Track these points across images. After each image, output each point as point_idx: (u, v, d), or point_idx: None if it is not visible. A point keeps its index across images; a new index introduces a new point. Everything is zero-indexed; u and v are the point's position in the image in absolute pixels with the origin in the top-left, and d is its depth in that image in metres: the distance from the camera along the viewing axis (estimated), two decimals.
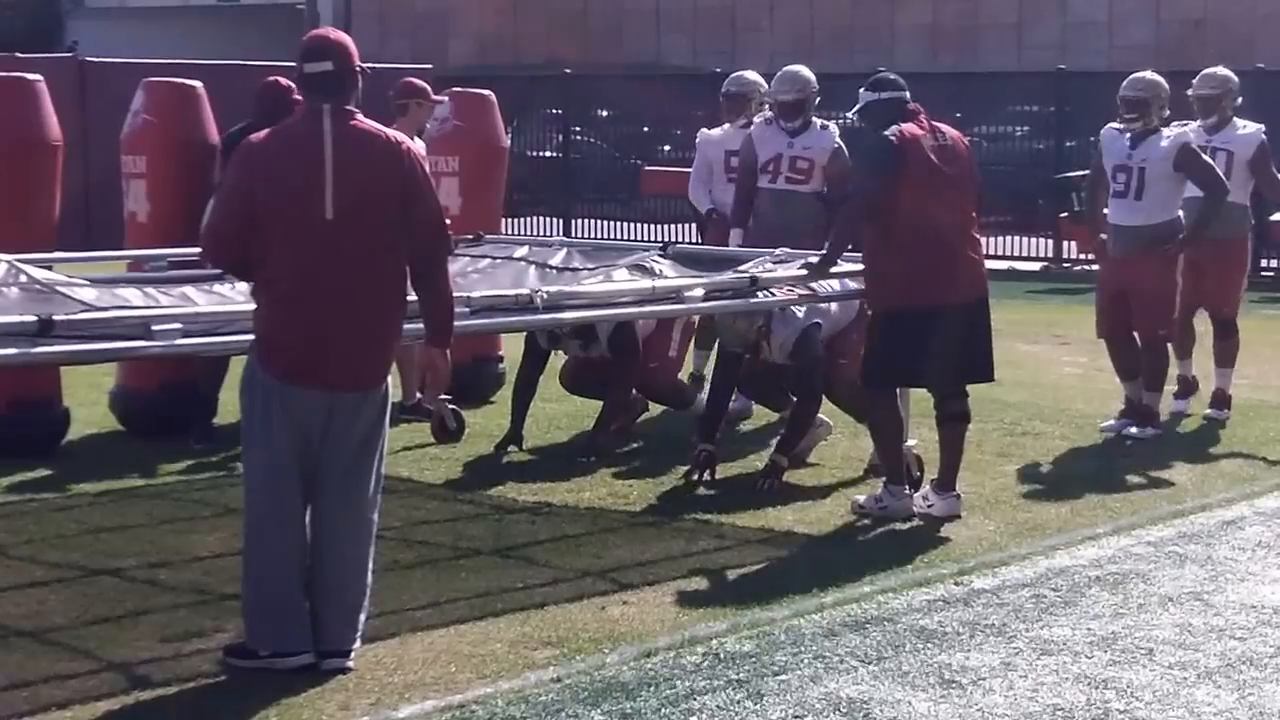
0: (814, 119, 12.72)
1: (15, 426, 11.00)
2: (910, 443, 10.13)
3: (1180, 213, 12.33)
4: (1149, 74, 12.55)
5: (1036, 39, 39.95)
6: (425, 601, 8.12)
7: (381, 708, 6.74)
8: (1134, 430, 12.30)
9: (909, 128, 9.71)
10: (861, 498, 9.95)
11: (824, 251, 10.05)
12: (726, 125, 13.42)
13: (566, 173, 30.19)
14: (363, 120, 7.20)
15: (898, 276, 9.68)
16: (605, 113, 31.14)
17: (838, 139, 12.66)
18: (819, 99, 12.83)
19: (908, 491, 9.88)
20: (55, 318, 7.24)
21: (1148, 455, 11.66)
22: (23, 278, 8.71)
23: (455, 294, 8.31)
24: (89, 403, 12.41)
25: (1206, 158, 12.42)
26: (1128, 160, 12.31)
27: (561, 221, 29.31)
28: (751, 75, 13.76)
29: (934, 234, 9.65)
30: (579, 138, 31.06)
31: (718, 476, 10.64)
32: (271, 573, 7.13)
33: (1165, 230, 12.25)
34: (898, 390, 10.00)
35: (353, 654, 7.19)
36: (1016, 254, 25.85)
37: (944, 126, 9.93)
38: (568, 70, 31.34)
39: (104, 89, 22.97)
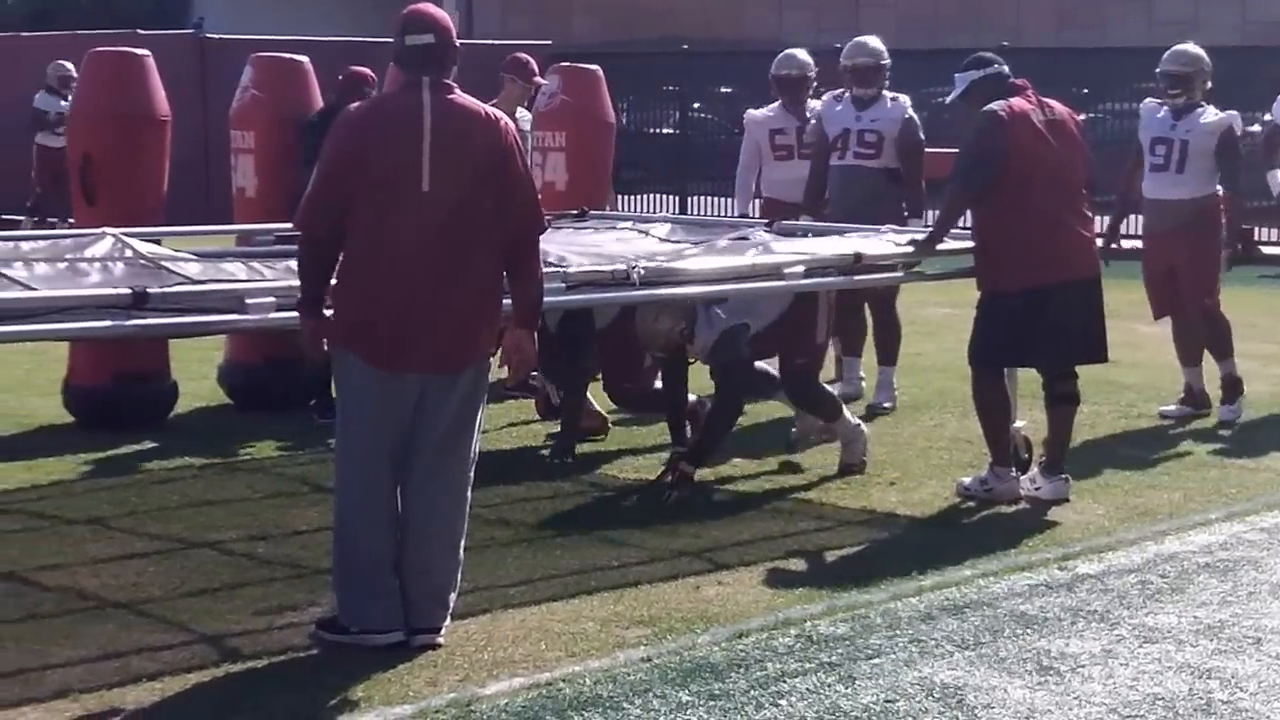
0: (885, 92, 12.46)
1: (123, 399, 11.08)
2: (1019, 424, 9.98)
3: (1219, 187, 12.06)
4: (1191, 47, 12.30)
5: (1167, 14, 39.35)
6: (518, 579, 8.09)
7: (469, 684, 6.71)
8: (1227, 407, 12.04)
9: (1017, 102, 9.56)
10: (966, 479, 9.82)
11: (930, 229, 9.92)
12: (775, 105, 13.19)
13: (683, 150, 30.04)
14: (461, 95, 7.14)
15: (1008, 254, 9.53)
16: (725, 89, 30.97)
17: (909, 111, 12.38)
18: (889, 71, 12.56)
19: (1014, 474, 9.74)
20: (149, 290, 7.24)
21: (1268, 441, 11.43)
22: (128, 252, 8.72)
23: (551, 268, 8.30)
24: (199, 376, 12.48)
25: (1240, 149, 12.14)
26: (1169, 133, 12.02)
27: (677, 200, 29.18)
28: (804, 55, 13.44)
29: (1045, 211, 9.50)
30: (697, 115, 30.91)
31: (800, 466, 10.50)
32: (361, 551, 7.10)
33: (1206, 204, 11.99)
34: (1005, 370, 9.84)
35: (443, 631, 7.16)
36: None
37: (1051, 102, 9.77)
38: (685, 46, 31.21)
39: (223, 66, 23.06)
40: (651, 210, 27.44)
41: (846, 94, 12.47)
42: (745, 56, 28.67)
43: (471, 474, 7.29)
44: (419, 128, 6.96)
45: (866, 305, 12.52)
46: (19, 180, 23.90)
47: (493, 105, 10.41)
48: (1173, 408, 12.21)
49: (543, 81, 12.59)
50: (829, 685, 6.73)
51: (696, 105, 30.83)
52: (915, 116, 12.41)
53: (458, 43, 7.22)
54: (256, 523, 9.03)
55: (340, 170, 7.00)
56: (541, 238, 7.33)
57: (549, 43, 28.78)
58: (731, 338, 9.92)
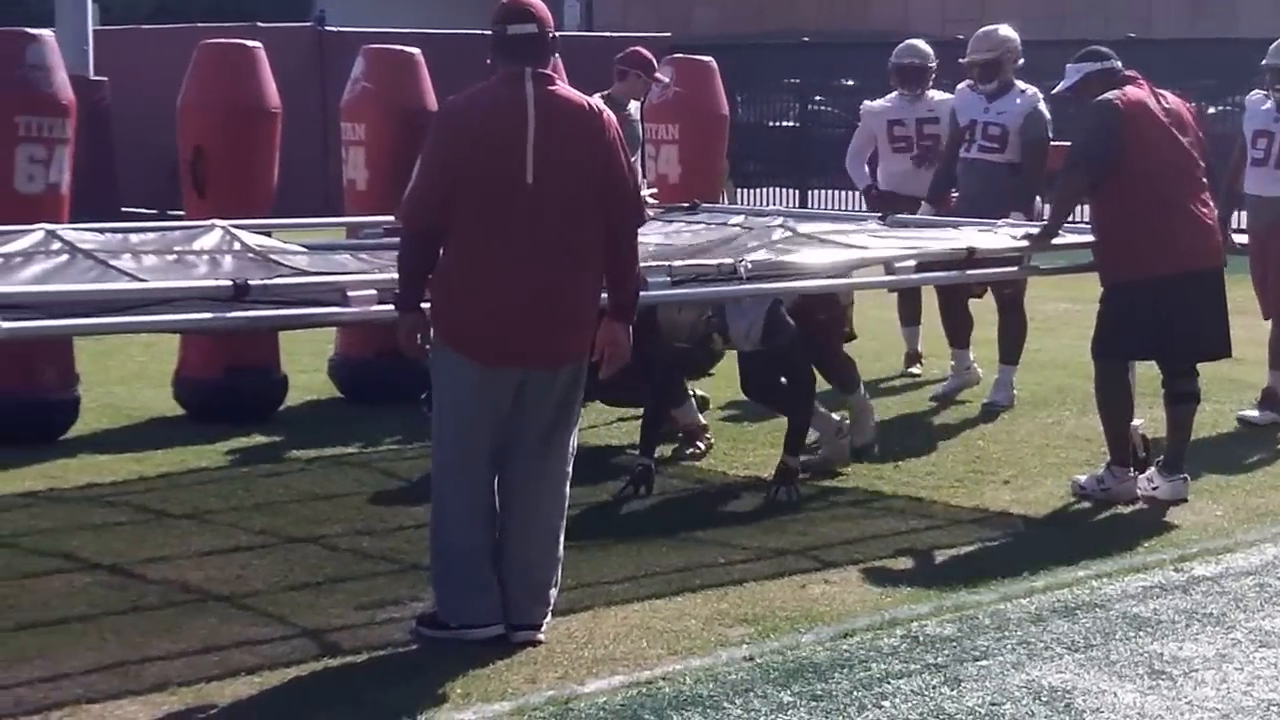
0: (1015, 82, 12.17)
1: (233, 392, 11.11)
2: (1137, 423, 9.79)
3: None
4: None
5: None
6: (622, 575, 8.02)
7: (568, 681, 6.64)
8: None
9: (1132, 90, 9.40)
10: (1082, 478, 9.65)
11: (1045, 222, 9.76)
12: (893, 95, 13.00)
13: (804, 143, 29.90)
14: (563, 86, 7.07)
15: (1129, 245, 9.35)
16: (847, 82, 30.81)
17: (1039, 104, 12.04)
18: (1019, 61, 12.27)
19: (1132, 474, 9.56)
20: (251, 282, 7.22)
21: None
22: (237, 244, 8.72)
23: (657, 261, 8.23)
24: (310, 369, 12.50)
25: None
26: (1272, 125, 11.75)
27: (797, 194, 29.05)
28: (924, 45, 13.23)
29: (1165, 200, 9.32)
30: (818, 108, 30.76)
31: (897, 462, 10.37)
32: (459, 546, 7.04)
33: None
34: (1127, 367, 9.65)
35: (543, 628, 7.10)
36: None
37: (1164, 91, 9.59)
38: (806, 39, 31.06)
39: (342, 59, 23.15)
40: (770, 204, 27.31)
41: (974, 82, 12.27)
42: (867, 48, 28.50)
43: (570, 469, 7.22)
44: (522, 120, 6.89)
45: (995, 303, 12.33)
46: (146, 175, 24.09)
47: (606, 96, 10.43)
48: (1255, 413, 11.79)
49: (663, 79, 12.49)
50: (934, 687, 6.62)
51: (817, 98, 30.69)
52: (1043, 110, 12.08)
53: (554, 33, 7.14)
54: (362, 517, 9.01)
55: (443, 164, 6.94)
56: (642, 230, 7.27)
57: (668, 35, 28.70)
58: (778, 318, 9.53)
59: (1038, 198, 11.88)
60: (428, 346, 7.05)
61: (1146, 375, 9.95)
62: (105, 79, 24.60)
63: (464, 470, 7.03)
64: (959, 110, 12.21)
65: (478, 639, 6.98)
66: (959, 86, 12.49)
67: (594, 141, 6.98)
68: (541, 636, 7.06)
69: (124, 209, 23.78)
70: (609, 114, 7.11)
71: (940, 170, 12.28)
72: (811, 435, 10.00)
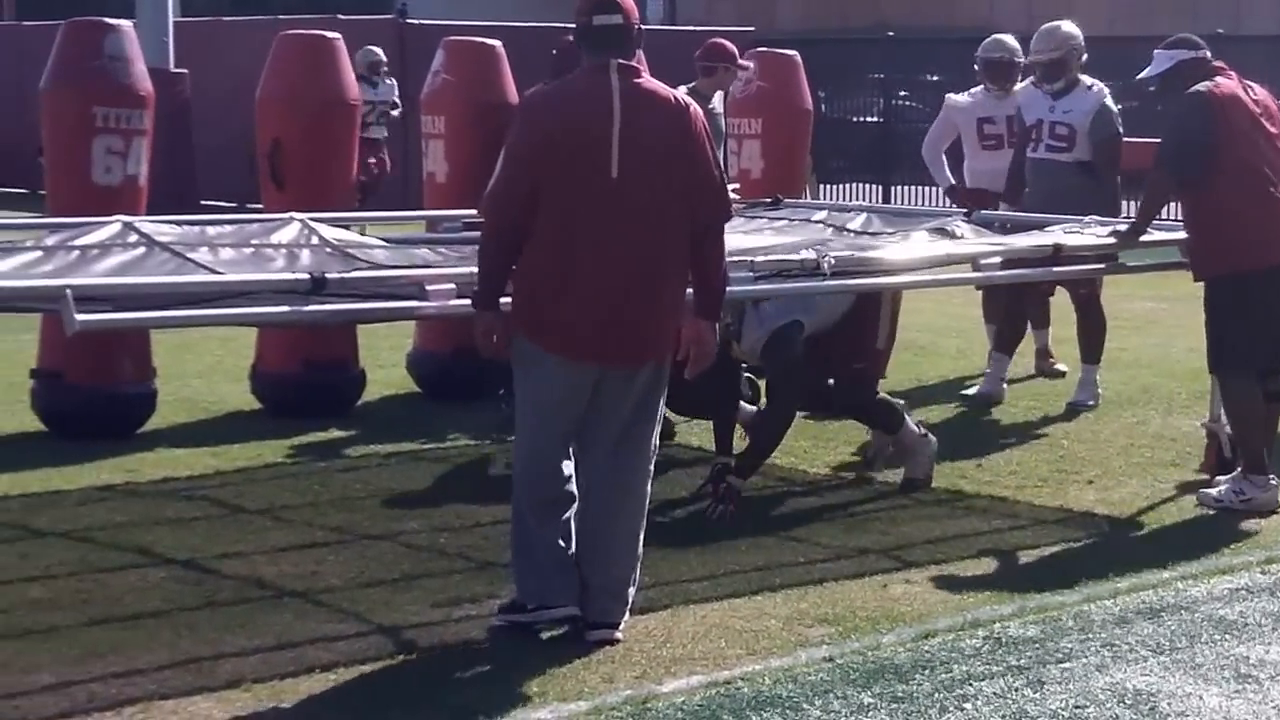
0: (1081, 78, 11.97)
1: (310, 387, 11.07)
2: (1220, 423, 9.62)
3: None
4: None
5: None
6: (701, 574, 7.93)
7: (645, 681, 6.56)
8: None
9: (1224, 82, 9.23)
10: (1215, 490, 9.37)
11: (1133, 219, 9.61)
12: (979, 90, 12.82)
13: (888, 139, 29.74)
14: (648, 79, 6.97)
15: (1224, 241, 9.17)
16: (932, 77, 30.62)
17: (1106, 99, 11.85)
18: (1085, 57, 12.09)
19: (1274, 480, 9.30)
20: (328, 276, 7.16)
21: None
22: (314, 238, 8.68)
23: (739, 256, 8.13)
24: (388, 364, 12.46)
25: None
26: None
27: (881, 189, 28.89)
28: (1011, 40, 12.97)
29: (1260, 193, 9.13)
30: (903, 103, 30.60)
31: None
32: (536, 533, 6.97)
33: None
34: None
35: (621, 626, 7.02)
36: None
37: (1252, 84, 9.41)
38: (891, 33, 30.89)
39: (424, 51, 23.13)
40: (854, 200, 27.16)
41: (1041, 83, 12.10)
42: (952, 43, 28.33)
43: (652, 467, 7.14)
44: (608, 113, 6.79)
45: (1072, 303, 12.16)
46: (225, 168, 24.14)
47: (691, 89, 10.33)
48: None
49: (746, 70, 12.36)
50: (1017, 689, 6.51)
51: (902, 93, 30.52)
52: (1111, 107, 11.89)
53: (639, 24, 7.05)
54: (439, 513, 8.94)
55: (526, 158, 6.83)
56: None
57: (751, 29, 28.57)
58: (784, 338, 9.08)
59: (1122, 200, 11.74)
60: (506, 346, 6.97)
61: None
62: (185, 71, 24.66)
63: (543, 461, 6.97)
64: (1025, 109, 12.06)
65: (554, 618, 6.91)
66: (1024, 84, 12.35)
67: (680, 136, 6.87)
68: (619, 635, 6.98)
69: (202, 201, 23.85)
70: (695, 107, 7.01)
71: (1012, 169, 12.12)
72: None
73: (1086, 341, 12.17)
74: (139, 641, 6.88)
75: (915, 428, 9.68)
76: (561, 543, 6.98)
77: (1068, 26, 12.05)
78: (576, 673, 6.63)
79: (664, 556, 7.97)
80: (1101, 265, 9.89)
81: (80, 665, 6.60)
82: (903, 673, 6.66)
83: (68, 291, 6.59)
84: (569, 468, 7.02)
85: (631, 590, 7.11)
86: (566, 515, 7.00)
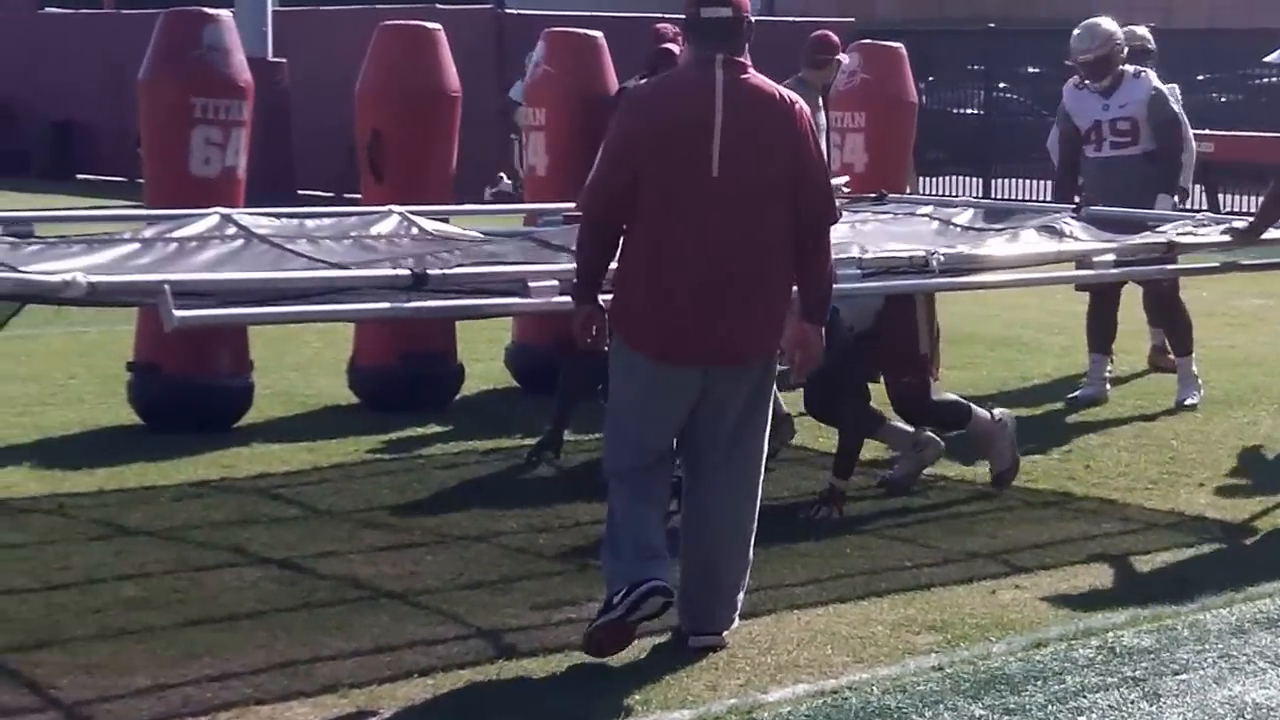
0: (1125, 67, 11.77)
1: (408, 380, 10.95)
2: None
3: None
4: None
5: None
6: (806, 578, 7.78)
7: (750, 689, 6.42)
8: None
9: None
10: None
11: (1253, 217, 9.39)
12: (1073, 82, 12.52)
13: (988, 131, 29.45)
14: (755, 74, 6.78)
15: None
16: (1033, 70, 30.34)
17: (1154, 81, 11.72)
18: (1125, 50, 11.87)
19: None
20: (429, 272, 7.04)
21: None
22: (414, 230, 8.57)
23: (846, 255, 7.97)
24: (486, 358, 12.36)
25: None
26: None
27: (980, 182, 28.61)
28: (1108, 24, 12.36)
29: None
30: (1003, 95, 30.32)
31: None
32: (628, 538, 6.75)
33: None
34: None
35: (727, 632, 6.86)
36: None
37: None
38: (991, 25, 30.61)
39: (523, 41, 23.05)
40: (954, 193, 26.91)
41: (1085, 83, 11.88)
42: (1054, 36, 27.98)
43: (762, 470, 6.97)
44: (710, 108, 6.61)
45: (1150, 299, 11.95)
46: (323, 158, 24.12)
47: (799, 80, 10.16)
48: None
49: (845, 59, 12.16)
50: (1131, 702, 6.32)
51: (1002, 85, 30.24)
52: (1163, 89, 11.82)
53: (751, 17, 6.86)
54: (538, 513, 8.81)
55: (627, 150, 6.67)
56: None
57: (851, 20, 28.35)
58: (832, 328, 8.43)
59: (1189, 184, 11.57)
60: (603, 338, 6.83)
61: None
62: (283, 61, 24.65)
63: (637, 468, 6.78)
64: (1073, 113, 11.90)
65: (641, 595, 6.60)
66: (1065, 86, 12.14)
67: (785, 132, 6.69)
68: (725, 641, 6.82)
69: (299, 191, 23.84)
70: (801, 104, 6.81)
71: (1063, 173, 11.92)
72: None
73: (1175, 335, 12.01)
74: (234, 643, 6.79)
75: (986, 414, 9.38)
76: (652, 541, 6.75)
77: (1107, 23, 11.89)
78: (680, 680, 6.49)
79: (768, 559, 7.80)
80: (1216, 264, 9.66)
81: (175, 667, 6.52)
82: (1014, 683, 6.48)
83: (166, 287, 6.49)
84: (666, 477, 6.85)
85: (740, 596, 6.95)
86: (660, 526, 6.80)
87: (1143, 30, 13.05)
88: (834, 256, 7.76)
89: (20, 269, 6.80)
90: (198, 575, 7.68)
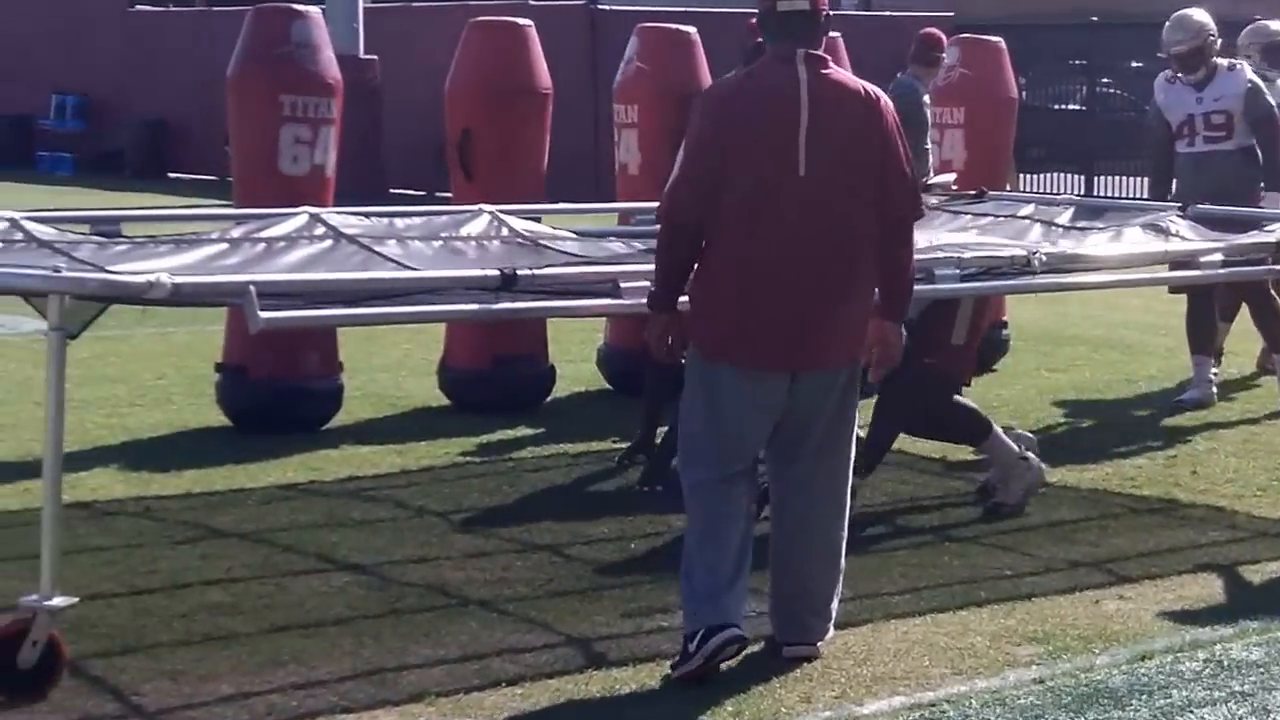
0: (1219, 59, 11.55)
1: (498, 382, 10.82)
2: None
3: None
4: None
5: None
6: (903, 586, 7.60)
7: (845, 701, 6.26)
8: None
9: None
10: None
11: None
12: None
13: (1090, 127, 29.12)
14: (836, 70, 6.58)
15: None
16: (1136, 64, 29.98)
17: (1251, 76, 11.47)
18: (1219, 43, 11.63)
19: None
20: (518, 272, 6.89)
21: None
22: (504, 230, 8.45)
23: (945, 254, 7.79)
24: (578, 359, 12.25)
25: None
26: None
27: (1082, 179, 28.30)
28: (1200, 15, 12.05)
29: None
30: (1106, 90, 29.99)
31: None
32: (700, 560, 6.53)
33: None
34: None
35: (822, 642, 6.70)
36: None
37: None
38: (1094, 18, 30.28)
39: (616, 38, 22.93)
40: (1055, 190, 26.60)
41: (1178, 76, 11.63)
42: (1158, 29, 27.66)
43: (850, 476, 6.80)
44: (795, 106, 6.40)
45: (1241, 296, 11.71)
46: (414, 157, 24.07)
47: (900, 81, 9.98)
48: None
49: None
50: (1240, 717, 6.13)
51: (1104, 80, 29.91)
52: (1259, 82, 11.57)
53: (829, 11, 6.65)
54: (630, 518, 8.64)
55: (708, 153, 6.44)
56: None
57: (951, 14, 28.08)
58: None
59: None
60: (680, 349, 6.64)
61: None
62: (375, 58, 24.60)
63: (717, 481, 6.54)
64: (1165, 108, 11.70)
65: (717, 645, 6.39)
66: (1157, 80, 11.91)
67: (871, 130, 6.49)
68: (819, 649, 6.65)
69: (391, 190, 23.78)
70: (886, 100, 6.60)
71: (1158, 171, 11.68)
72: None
73: (1269, 332, 11.76)
74: (320, 650, 6.68)
75: (1014, 446, 8.90)
76: (726, 567, 6.51)
77: (1199, 15, 11.64)
78: (773, 691, 6.34)
79: (864, 566, 7.67)
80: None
81: (260, 675, 6.42)
82: (1118, 697, 6.29)
83: (251, 288, 6.38)
84: (748, 489, 6.63)
85: (834, 606, 6.78)
86: (742, 544, 6.57)
87: (1277, 25, 12.77)
88: (933, 256, 7.59)
89: (107, 269, 6.71)
90: (284, 580, 7.58)
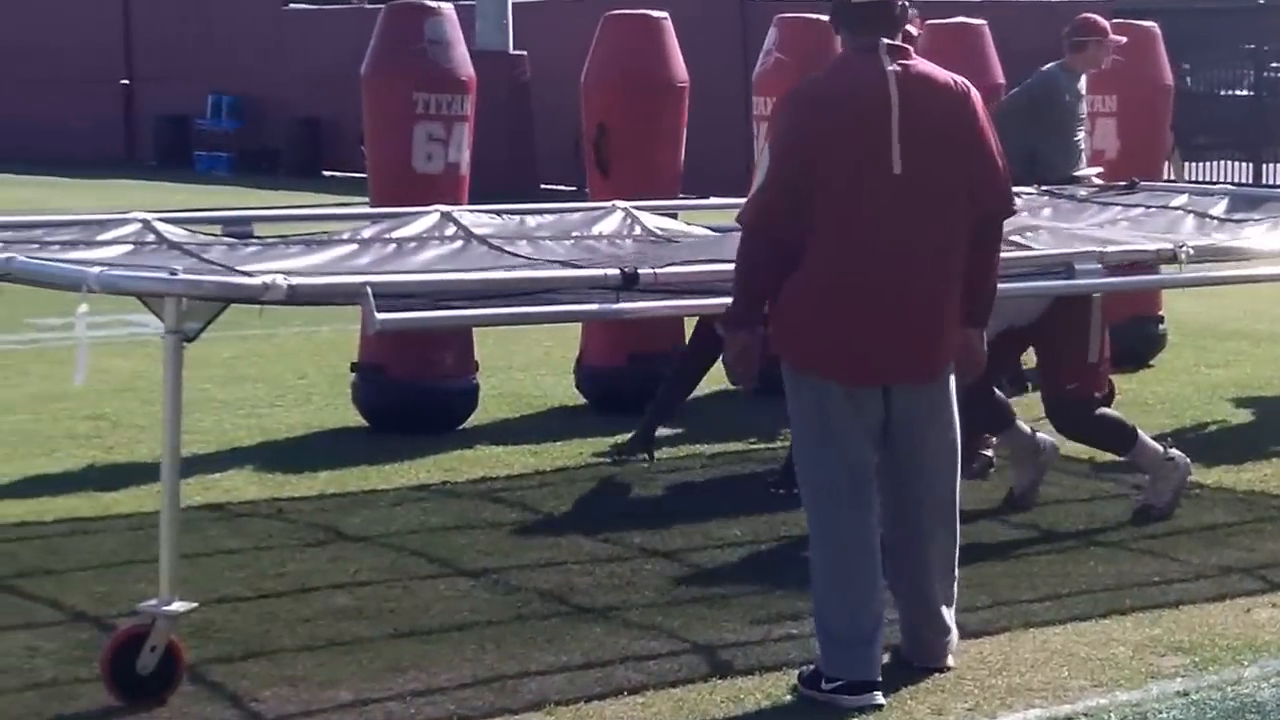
0: None
1: (635, 381, 10.63)
2: None
3: None
4: None
5: None
6: (1044, 593, 7.35)
7: (978, 714, 6.04)
8: None
9: None
10: None
11: None
12: None
13: (1259, 113, 28.52)
14: (920, 60, 6.26)
15: None
16: None
17: None
18: None
19: None
20: (640, 271, 6.72)
21: None
22: (638, 228, 8.30)
23: (1088, 247, 7.54)
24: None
25: None
26: None
27: (1250, 167, 27.73)
28: None
29: None
30: (1275, 75, 29.40)
31: None
32: (838, 599, 6.24)
33: None
34: None
35: (951, 654, 6.45)
36: None
37: None
38: (1261, 1, 29.72)
39: (766, 28, 22.69)
40: (1222, 179, 26.07)
41: None
42: None
43: (958, 481, 6.48)
44: (885, 100, 6.07)
45: None
46: (566, 152, 23.96)
47: (1061, 65, 9.76)
48: None
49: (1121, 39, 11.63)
50: None
51: (1274, 65, 29.34)
52: None
53: None
54: (764, 520, 8.43)
55: (797, 156, 6.09)
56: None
57: None
58: None
59: None
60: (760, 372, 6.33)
61: None
62: (524, 53, 24.51)
63: (839, 506, 6.24)
64: None
65: (850, 705, 6.12)
66: None
67: (963, 122, 6.19)
68: (950, 662, 6.41)
69: (543, 187, 23.70)
70: (975, 91, 6.29)
71: None
72: None
73: None
74: (442, 656, 6.56)
75: (1158, 447, 8.60)
76: (866, 603, 6.22)
77: None
78: (903, 702, 6.13)
79: (1004, 571, 7.48)
80: None
81: (379, 681, 6.30)
82: (1266, 712, 6.03)
83: (368, 289, 6.27)
84: (872, 510, 6.29)
85: (952, 611, 6.46)
86: (872, 570, 6.26)
87: None
88: (1077, 249, 7.33)
89: (236, 269, 6.64)
90: (410, 584, 7.47)
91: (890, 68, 6.12)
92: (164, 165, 33.95)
